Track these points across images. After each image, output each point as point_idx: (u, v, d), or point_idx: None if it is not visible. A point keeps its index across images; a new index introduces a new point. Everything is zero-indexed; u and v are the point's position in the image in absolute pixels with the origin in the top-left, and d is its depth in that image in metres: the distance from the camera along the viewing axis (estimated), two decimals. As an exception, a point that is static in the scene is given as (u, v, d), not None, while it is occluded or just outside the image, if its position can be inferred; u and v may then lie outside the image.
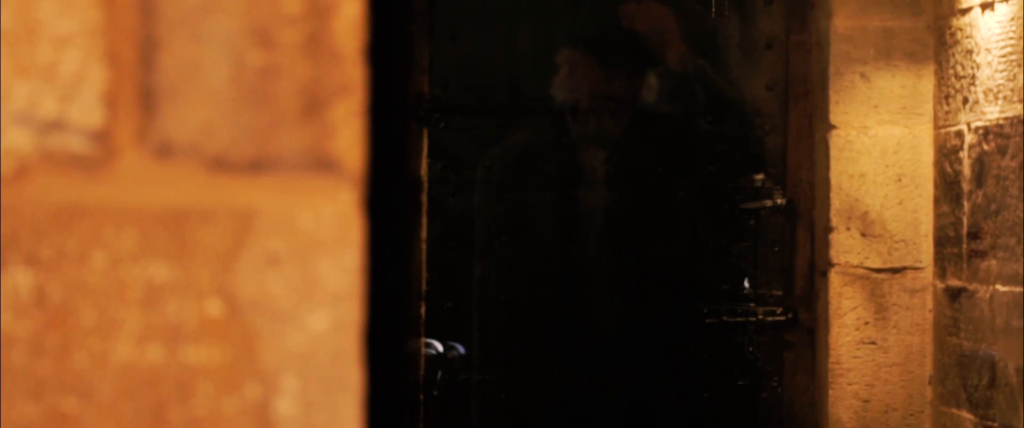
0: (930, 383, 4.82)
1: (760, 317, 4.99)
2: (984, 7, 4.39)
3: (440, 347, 4.94)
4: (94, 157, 0.85)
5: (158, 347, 0.85)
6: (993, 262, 4.34)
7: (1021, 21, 4.19)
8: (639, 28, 4.91)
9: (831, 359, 4.83)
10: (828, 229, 4.82)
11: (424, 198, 4.91)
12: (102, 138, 0.85)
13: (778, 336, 5.01)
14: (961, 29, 4.54)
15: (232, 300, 0.85)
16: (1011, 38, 4.24)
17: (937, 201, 4.74)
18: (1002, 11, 4.29)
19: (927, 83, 4.77)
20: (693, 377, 4.99)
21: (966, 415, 4.54)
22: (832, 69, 4.79)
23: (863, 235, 4.81)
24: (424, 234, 4.91)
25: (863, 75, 4.79)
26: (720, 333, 5.00)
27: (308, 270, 0.86)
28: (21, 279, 0.85)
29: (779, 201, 4.98)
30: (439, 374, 4.93)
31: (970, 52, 4.48)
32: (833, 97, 4.80)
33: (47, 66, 0.85)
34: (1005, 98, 4.27)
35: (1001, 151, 4.29)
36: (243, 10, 0.86)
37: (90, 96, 0.85)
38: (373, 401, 0.88)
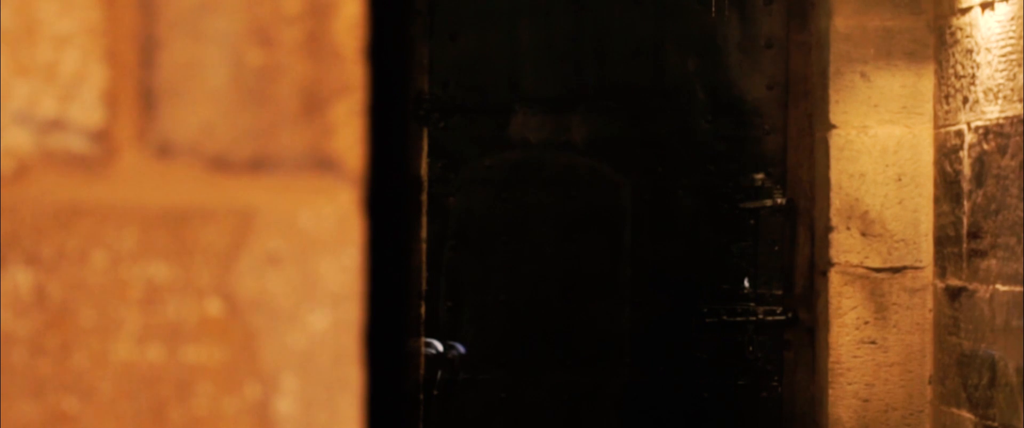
0: (930, 382, 4.82)
1: (760, 317, 4.99)
2: (984, 6, 4.39)
3: (440, 347, 4.94)
4: (94, 157, 0.85)
5: (158, 347, 0.85)
6: (993, 262, 4.34)
7: (1021, 21, 4.19)
8: None
9: (831, 358, 4.83)
10: (828, 228, 4.82)
11: (424, 198, 4.91)
12: (102, 138, 0.85)
13: (778, 336, 5.00)
14: (961, 29, 4.54)
15: (232, 300, 0.85)
16: (1011, 38, 4.24)
17: (937, 200, 4.74)
18: (1002, 11, 4.29)
19: (927, 82, 4.77)
20: (693, 377, 4.98)
21: (966, 414, 4.54)
22: (832, 69, 4.79)
23: (863, 234, 4.80)
24: (424, 234, 4.91)
25: (863, 74, 4.78)
26: (720, 333, 4.99)
27: (308, 270, 0.86)
28: (21, 279, 0.85)
29: (779, 200, 4.98)
30: (439, 374, 4.93)
31: (970, 52, 4.47)
32: (833, 96, 4.80)
33: (47, 66, 0.85)
34: (1005, 98, 4.27)
35: (1001, 150, 4.29)
36: (243, 9, 0.85)
37: (90, 96, 0.85)
38: (373, 401, 0.88)
